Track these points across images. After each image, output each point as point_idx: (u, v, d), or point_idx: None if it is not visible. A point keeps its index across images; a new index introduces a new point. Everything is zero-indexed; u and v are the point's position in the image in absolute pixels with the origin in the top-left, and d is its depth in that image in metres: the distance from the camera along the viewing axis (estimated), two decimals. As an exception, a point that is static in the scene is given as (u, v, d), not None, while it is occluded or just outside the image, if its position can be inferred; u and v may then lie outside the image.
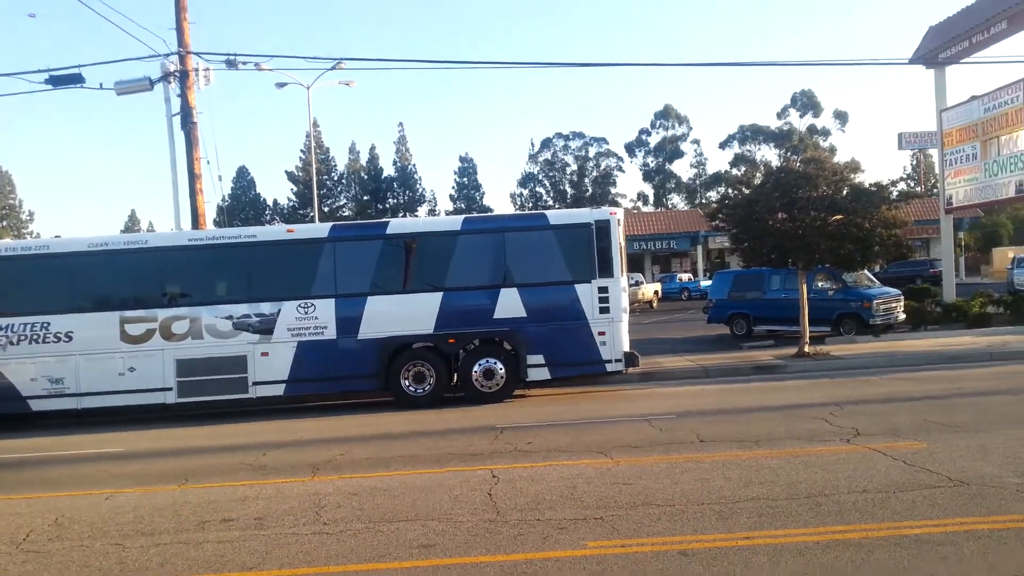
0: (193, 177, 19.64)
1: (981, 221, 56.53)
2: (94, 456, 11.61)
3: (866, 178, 20.09)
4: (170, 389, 14.43)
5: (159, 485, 9.25)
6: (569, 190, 75.84)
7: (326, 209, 67.45)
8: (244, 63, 20.49)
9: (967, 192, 25.41)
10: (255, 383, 14.51)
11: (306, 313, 14.54)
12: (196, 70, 19.49)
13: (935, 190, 37.57)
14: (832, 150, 66.56)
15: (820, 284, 21.86)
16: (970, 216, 46.36)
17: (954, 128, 25.56)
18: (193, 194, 19.68)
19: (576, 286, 14.77)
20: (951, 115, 25.71)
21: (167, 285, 14.96)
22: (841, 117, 73.42)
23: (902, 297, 22.93)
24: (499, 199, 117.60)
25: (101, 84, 19.24)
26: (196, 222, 19.62)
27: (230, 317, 14.55)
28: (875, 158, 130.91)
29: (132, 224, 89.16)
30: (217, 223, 40.69)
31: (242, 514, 7.72)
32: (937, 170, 31.31)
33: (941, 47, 25.58)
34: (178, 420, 14.54)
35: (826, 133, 73.02)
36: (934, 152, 35.82)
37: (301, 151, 69.29)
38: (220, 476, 9.55)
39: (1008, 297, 24.61)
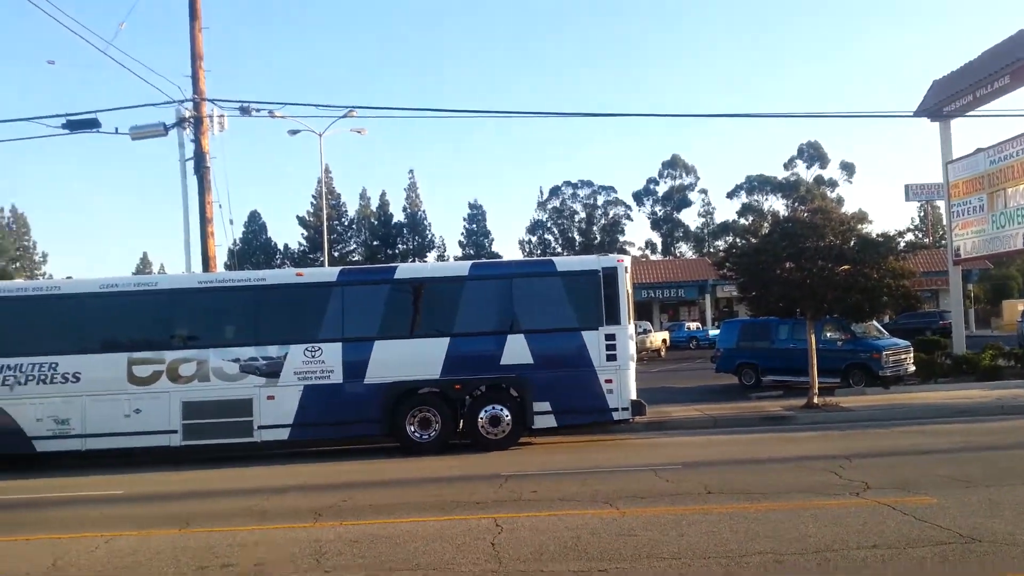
0: (205, 221, 19.82)
1: (990, 273, 56.38)
2: (95, 498, 11.53)
3: (873, 229, 20.21)
4: (175, 432, 14.37)
5: (159, 529, 9.15)
6: (578, 237, 76.22)
7: (336, 254, 67.81)
8: (258, 110, 20.82)
9: (975, 244, 25.41)
10: (260, 427, 14.44)
11: (313, 356, 14.54)
12: (210, 116, 19.80)
13: (943, 241, 37.66)
14: (839, 201, 66.93)
15: (829, 334, 21.76)
16: (979, 268, 46.24)
17: (960, 180, 25.67)
18: (204, 237, 19.83)
19: (583, 333, 14.74)
20: (957, 167, 25.84)
21: (176, 327, 15.01)
22: (848, 168, 73.99)
23: (911, 349, 22.78)
24: (508, 246, 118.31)
25: (117, 129, 19.55)
26: (207, 265, 19.74)
27: (237, 360, 14.55)
28: (882, 209, 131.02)
29: (144, 266, 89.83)
30: (228, 266, 40.90)
31: (242, 560, 7.63)
32: (944, 221, 31.39)
33: (945, 100, 25.83)
34: (182, 463, 14.44)
35: (833, 184, 73.49)
36: (941, 203, 35.97)
37: (312, 196, 70.02)
38: (221, 521, 9.46)
39: (1019, 350, 24.41)
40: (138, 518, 9.91)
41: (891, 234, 22.68)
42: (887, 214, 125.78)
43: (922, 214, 72.47)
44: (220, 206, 20.38)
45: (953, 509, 8.37)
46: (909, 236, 69.82)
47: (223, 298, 15.09)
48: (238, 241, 60.58)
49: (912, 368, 22.34)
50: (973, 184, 25.00)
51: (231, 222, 21.75)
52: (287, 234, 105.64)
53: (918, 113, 26.62)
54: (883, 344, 22.03)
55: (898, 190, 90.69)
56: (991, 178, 24.06)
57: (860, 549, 7.09)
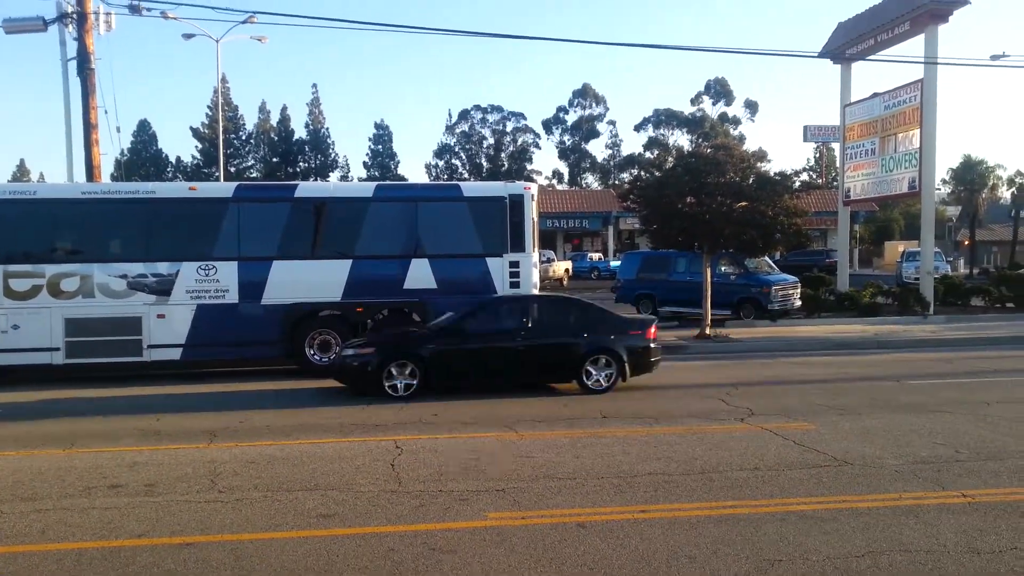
0: (89, 127, 18.61)
1: (876, 215, 59.32)
2: (-30, 417, 10.95)
3: (772, 167, 20.87)
4: (58, 349, 13.72)
5: (42, 448, 8.78)
6: (485, 164, 75.56)
7: (233, 169, 65.05)
8: (149, 10, 19.52)
9: (864, 186, 26.58)
10: (150, 346, 13.95)
11: (207, 275, 14.04)
12: (96, 13, 18.44)
13: (835, 183, 39.20)
14: (741, 139, 68.67)
15: (723, 269, 22.52)
16: (866, 210, 48.55)
17: (856, 123, 26.66)
18: (88, 145, 18.65)
19: (488, 259, 14.75)
20: (854, 110, 26.79)
21: (56, 240, 14.18)
22: (751, 107, 75.58)
23: (799, 285, 23.88)
24: (414, 169, 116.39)
25: (-11, 21, 17.97)
26: (91, 175, 18.62)
27: (125, 276, 13.91)
28: (781, 149, 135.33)
29: (21, 175, 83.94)
30: (114, 177, 38.73)
31: (131, 480, 7.41)
32: (838, 163, 32.64)
33: (848, 44, 26.56)
34: (66, 382, 13.80)
35: (737, 122, 75.07)
36: (836, 146, 37.33)
37: (208, 107, 66.49)
38: (109, 441, 9.15)
39: (897, 289, 25.96)
40: (19, 437, 9.47)
41: (788, 173, 23.42)
42: (786, 153, 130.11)
43: (818, 155, 75.18)
44: (106, 112, 19.24)
45: (829, 435, 8.92)
46: (804, 176, 72.36)
47: (109, 210, 14.30)
48: (126, 151, 57.10)
49: (799, 303, 23.47)
50: (867, 128, 26.01)
51: (118, 130, 20.45)
52: (180, 146, 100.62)
53: (822, 54, 27.30)
54: (773, 279, 22.99)
55: (797, 130, 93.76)
56: (884, 123, 25.06)
57: (742, 471, 7.49)
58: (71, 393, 12.78)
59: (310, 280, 14.34)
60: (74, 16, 18.24)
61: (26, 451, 8.69)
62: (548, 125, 77.40)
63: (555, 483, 7.19)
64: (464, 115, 76.09)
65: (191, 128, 68.17)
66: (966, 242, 58.30)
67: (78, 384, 13.57)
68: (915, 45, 23.91)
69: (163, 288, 13.97)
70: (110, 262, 14.02)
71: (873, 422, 9.63)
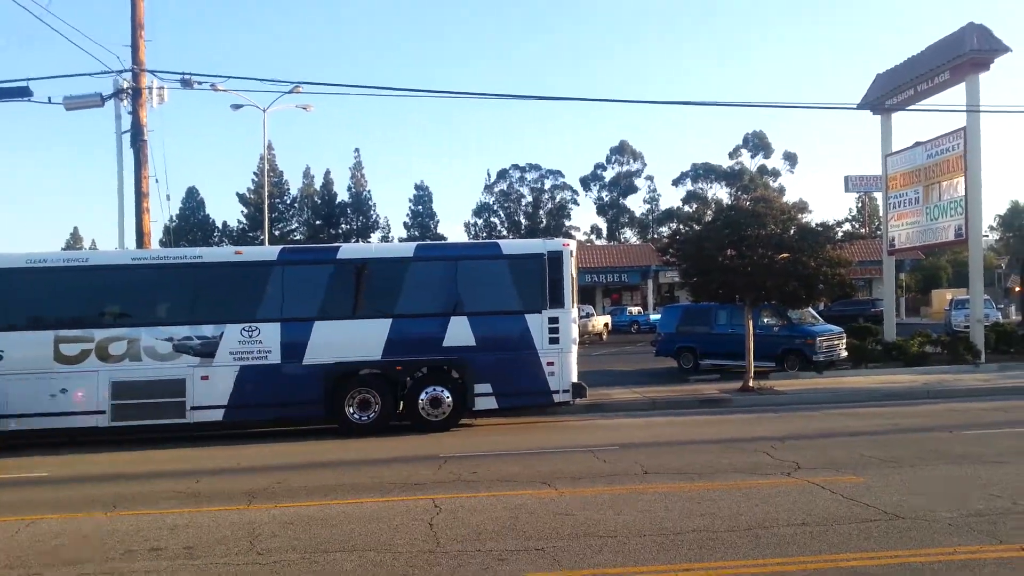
0: (140, 195, 19.21)
1: (922, 263, 58.27)
2: (17, 480, 11.16)
3: (813, 218, 20.63)
4: (103, 412, 13.93)
5: (84, 512, 8.87)
6: (524, 221, 76.26)
7: (277, 233, 66.66)
8: (200, 83, 20.19)
9: (909, 235, 26.14)
10: (193, 407, 14.10)
11: (250, 337, 14.24)
12: (150, 88, 19.16)
13: (879, 232, 38.69)
14: (781, 190, 68.39)
15: (766, 320, 22.20)
16: (911, 258, 47.78)
17: (898, 172, 26.35)
18: (139, 213, 19.24)
19: (527, 316, 14.74)
20: (895, 160, 26.51)
21: (106, 305, 14.54)
22: (791, 159, 75.51)
23: (844, 335, 23.40)
24: (454, 228, 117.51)
25: (50, 98, 18.76)
26: (141, 241, 19.16)
27: (170, 339, 14.17)
28: (822, 199, 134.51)
29: (74, 242, 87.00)
30: (163, 243, 39.94)
31: (171, 543, 7.44)
32: (881, 212, 32.23)
33: (888, 94, 26.41)
34: (111, 445, 14.00)
35: (776, 174, 74.93)
36: (879, 195, 36.94)
37: (254, 173, 68.61)
38: (150, 503, 9.21)
39: (946, 338, 25.26)
40: (63, 501, 9.59)
41: (829, 224, 23.17)
42: (827, 204, 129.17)
43: (860, 205, 74.42)
44: (157, 181, 19.81)
45: (879, 488, 8.62)
46: (847, 226, 71.46)
47: (157, 275, 14.67)
48: (175, 217, 58.90)
49: (844, 353, 22.96)
50: (910, 177, 25.68)
51: (168, 197, 21.04)
52: (226, 212, 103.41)
53: (861, 106, 27.17)
54: (817, 330, 22.58)
55: (838, 181, 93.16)
56: (927, 171, 24.73)
57: (790, 526, 7.26)
58: (114, 456, 12.96)
59: (351, 339, 14.45)
60: (129, 91, 19.00)
61: (69, 514, 8.79)
62: (586, 182, 78.15)
63: (596, 541, 7.04)
64: (502, 174, 77.23)
65: (237, 194, 70.31)
66: (1016, 289, 56.68)
67: (121, 446, 13.77)
68: (956, 93, 23.66)
69: (207, 350, 14.19)
70: (157, 325, 14.32)
71: (925, 474, 9.30)
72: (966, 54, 22.72)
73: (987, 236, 50.30)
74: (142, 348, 14.11)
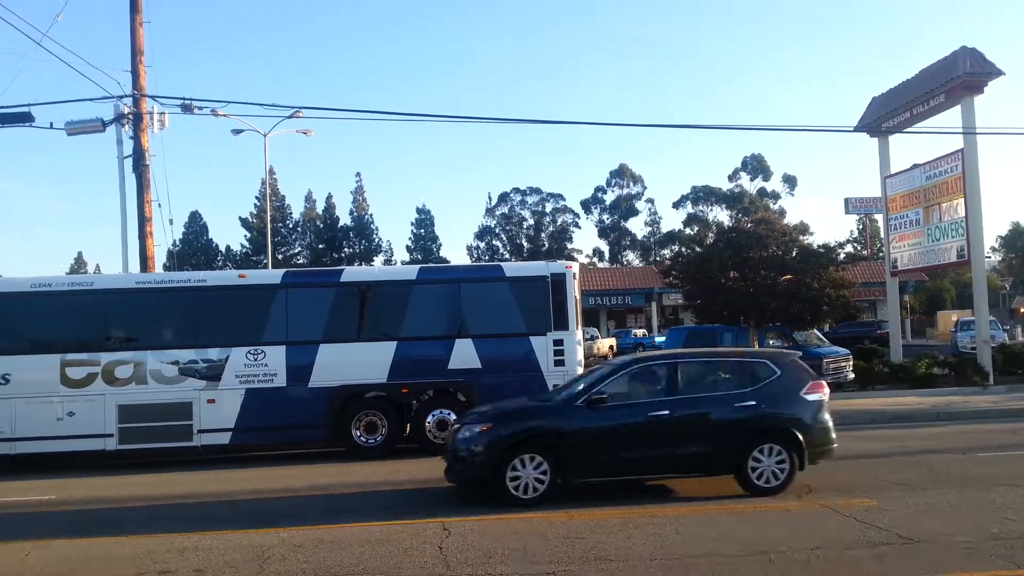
0: (143, 220, 19.32)
1: (925, 284, 58.27)
2: (25, 504, 11.09)
3: (814, 240, 20.77)
4: (111, 436, 13.90)
5: (92, 535, 8.81)
6: (526, 244, 76.35)
7: (280, 256, 66.70)
8: (200, 108, 20.36)
9: (911, 256, 26.16)
10: (200, 431, 14.07)
11: (255, 360, 14.24)
12: (151, 113, 19.34)
13: (881, 254, 38.65)
14: (781, 213, 68.42)
15: (771, 342, 22.14)
16: (914, 279, 47.74)
17: (898, 194, 26.42)
18: (143, 237, 19.33)
19: (532, 338, 14.73)
20: (895, 182, 26.61)
21: (112, 328, 14.55)
22: (790, 181, 75.65)
23: (851, 357, 23.34)
24: (456, 251, 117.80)
25: (52, 124, 19.02)
26: (145, 265, 19.23)
27: (176, 362, 14.17)
28: (822, 222, 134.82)
29: (79, 266, 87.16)
30: (167, 267, 39.87)
31: (181, 566, 7.39)
32: (882, 234, 32.26)
33: (884, 117, 26.58)
34: (118, 468, 13.96)
35: (776, 196, 75.04)
36: (879, 217, 37.04)
37: (256, 198, 68.79)
38: (159, 526, 9.14)
39: (953, 359, 25.19)
40: (71, 524, 9.53)
41: (831, 245, 23.30)
42: (827, 226, 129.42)
43: (861, 227, 74.53)
44: (159, 205, 19.94)
45: (891, 511, 8.57)
46: (848, 248, 71.61)
47: (162, 299, 14.70)
48: (178, 242, 59.03)
49: (851, 375, 22.88)
50: (910, 198, 25.75)
51: (171, 222, 21.13)
52: (229, 236, 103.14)
53: (858, 128, 27.31)
54: (824, 352, 22.52)
55: (838, 203, 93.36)
56: (927, 193, 24.81)
57: (802, 551, 7.21)
58: (122, 479, 12.91)
59: (356, 362, 14.44)
60: (130, 117, 19.17)
61: (77, 538, 8.72)
62: (587, 205, 78.33)
63: (605, 565, 6.99)
64: (504, 197, 77.44)
65: (240, 218, 70.44)
66: (1022, 310, 56.71)
67: (128, 470, 13.72)
68: (952, 115, 23.84)
69: (213, 373, 14.18)
70: (163, 349, 14.32)
71: (937, 497, 9.24)
72: (959, 77, 22.93)
73: (989, 257, 50.34)
74: (148, 371, 14.10)
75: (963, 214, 23.11)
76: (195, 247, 69.23)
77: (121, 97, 19.07)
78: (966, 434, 14.85)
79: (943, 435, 14.89)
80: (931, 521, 8.10)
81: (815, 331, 23.48)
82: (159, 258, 23.34)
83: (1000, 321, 41.10)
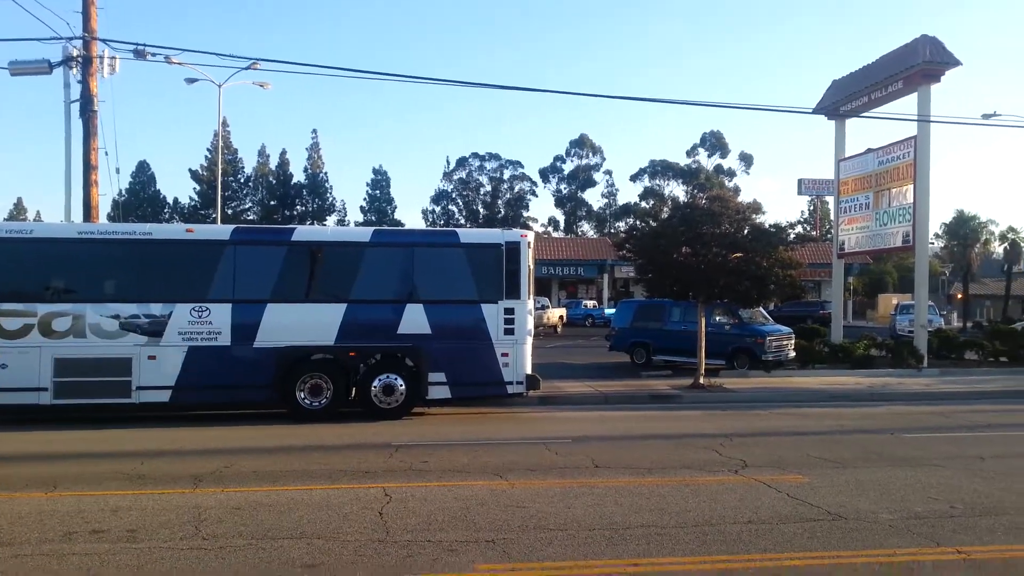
0: (89, 168, 18.69)
1: (870, 268, 59.62)
2: (-47, 457, 10.77)
3: (766, 219, 21.00)
4: (45, 389, 13.55)
5: (23, 491, 8.61)
6: (482, 210, 76.13)
7: (230, 211, 65.32)
8: (153, 55, 19.72)
9: (858, 239, 26.73)
10: (139, 387, 13.80)
11: (200, 317, 13.96)
12: (101, 57, 18.62)
13: (829, 235, 39.47)
14: (736, 190, 69.36)
15: (718, 318, 22.50)
16: (860, 262, 48.80)
17: (850, 178, 26.90)
18: (87, 185, 18.71)
19: (483, 306, 14.72)
20: (848, 165, 27.07)
21: (51, 279, 14.12)
22: (747, 160, 76.70)
23: (793, 335, 23.86)
24: (411, 215, 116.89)
25: (-7, 62, 18.15)
26: (88, 215, 18.64)
27: (117, 316, 13.82)
28: (776, 201, 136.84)
29: (18, 213, 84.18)
30: (111, 217, 38.90)
31: (113, 526, 7.27)
32: (832, 216, 32.87)
33: (843, 100, 26.95)
34: (52, 423, 13.62)
35: (732, 174, 76.03)
36: (831, 199, 37.64)
37: (208, 150, 67.10)
38: (92, 484, 8.98)
39: (890, 342, 25.93)
40: (0, 480, 9.30)
41: (782, 225, 23.67)
42: (780, 206, 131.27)
43: (812, 208, 75.84)
44: (106, 153, 19.30)
45: (823, 488, 8.82)
46: (799, 228, 73.00)
47: (104, 251, 14.27)
48: (124, 192, 57.32)
49: (792, 354, 23.42)
50: (861, 182, 26.24)
51: (117, 171, 20.42)
52: (178, 188, 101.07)
53: (816, 110, 27.65)
54: (767, 330, 22.98)
55: (792, 184, 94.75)
56: (878, 178, 25.30)
57: (736, 524, 7.38)
58: (55, 435, 12.60)
59: (304, 323, 14.27)
60: (79, 60, 18.43)
61: (6, 494, 8.51)
62: (545, 174, 78.28)
63: (546, 534, 7.06)
64: (462, 162, 76.97)
65: (190, 170, 68.73)
66: (959, 296, 58.51)
67: (63, 425, 13.40)
68: (909, 102, 24.26)
69: (155, 329, 13.87)
70: (103, 302, 13.95)
71: (867, 475, 9.53)
72: (918, 65, 23.30)
73: (933, 244, 51.60)
74: (87, 325, 13.74)
75: (911, 200, 23.64)
76: (142, 198, 67.43)
77: (71, 39, 18.30)
78: (898, 415, 15.33)
79: (876, 415, 15.35)
80: (860, 499, 8.35)
81: (760, 309, 23.88)
82: (104, 208, 22.74)
83: (938, 306, 42.33)
